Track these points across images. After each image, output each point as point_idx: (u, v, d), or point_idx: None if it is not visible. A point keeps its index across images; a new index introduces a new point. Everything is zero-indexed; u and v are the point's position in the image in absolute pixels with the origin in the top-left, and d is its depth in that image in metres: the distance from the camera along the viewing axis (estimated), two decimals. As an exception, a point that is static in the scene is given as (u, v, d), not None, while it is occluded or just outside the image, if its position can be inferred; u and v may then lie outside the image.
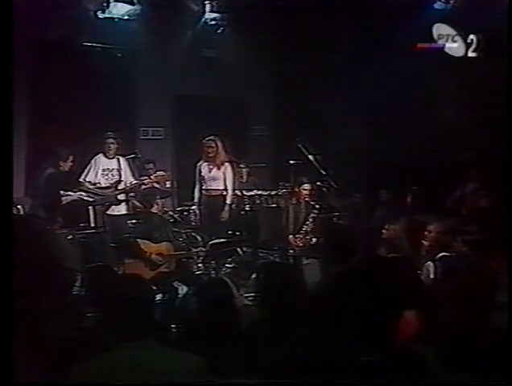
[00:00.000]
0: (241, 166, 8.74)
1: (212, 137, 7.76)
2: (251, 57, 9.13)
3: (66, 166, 7.23)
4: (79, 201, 7.24)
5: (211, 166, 7.79)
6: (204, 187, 7.83)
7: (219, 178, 7.81)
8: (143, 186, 7.57)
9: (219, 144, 7.75)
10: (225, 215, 7.85)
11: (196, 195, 7.91)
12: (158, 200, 7.20)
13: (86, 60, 8.33)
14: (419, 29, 8.46)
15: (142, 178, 7.60)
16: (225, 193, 7.92)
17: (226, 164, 7.85)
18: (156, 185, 8.03)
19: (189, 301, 3.58)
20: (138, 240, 6.66)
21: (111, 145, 7.42)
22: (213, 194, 7.83)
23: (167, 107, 9.67)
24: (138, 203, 7.70)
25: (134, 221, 7.54)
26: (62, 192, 7.14)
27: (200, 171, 7.81)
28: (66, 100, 8.34)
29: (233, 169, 7.98)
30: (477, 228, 6.06)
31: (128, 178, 7.56)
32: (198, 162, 7.89)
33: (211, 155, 7.72)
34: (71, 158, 7.26)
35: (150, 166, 8.44)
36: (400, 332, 2.63)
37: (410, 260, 4.48)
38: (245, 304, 4.12)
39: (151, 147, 9.21)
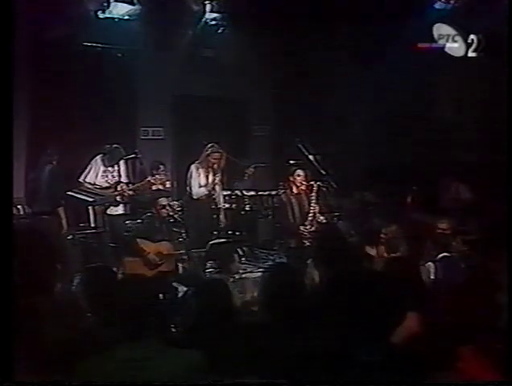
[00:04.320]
0: (241, 165, 8.74)
1: (218, 149, 7.63)
2: (251, 57, 9.14)
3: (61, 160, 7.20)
4: (77, 201, 7.22)
5: (208, 170, 7.69)
6: (201, 189, 7.75)
7: (216, 180, 7.74)
8: (144, 187, 7.57)
9: (223, 154, 7.67)
10: (225, 215, 7.84)
11: (194, 196, 7.84)
12: (159, 200, 7.20)
13: (86, 60, 8.33)
14: (419, 29, 8.45)
15: (144, 179, 7.58)
16: (224, 194, 7.89)
17: (222, 169, 7.78)
18: (159, 186, 8.02)
19: (188, 301, 3.58)
20: (138, 239, 6.67)
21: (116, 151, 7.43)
22: (211, 195, 7.77)
23: (167, 107, 9.67)
24: (139, 204, 7.69)
25: (134, 221, 7.54)
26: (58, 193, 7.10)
27: (199, 174, 7.72)
28: (66, 100, 8.34)
29: (228, 170, 7.94)
30: (478, 228, 6.06)
31: (128, 178, 7.55)
32: (193, 163, 7.78)
33: (214, 165, 7.62)
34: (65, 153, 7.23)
35: (161, 168, 8.33)
36: (400, 332, 2.64)
37: (410, 261, 4.48)
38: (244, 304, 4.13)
39: (151, 147, 9.21)
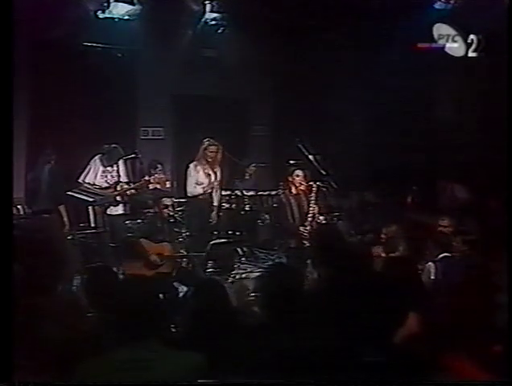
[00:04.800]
0: (241, 165, 8.74)
1: (214, 142, 7.67)
2: (251, 57, 9.13)
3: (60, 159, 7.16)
4: (77, 201, 7.21)
5: (206, 168, 7.71)
6: (200, 189, 7.75)
7: (213, 179, 7.75)
8: (144, 187, 7.58)
9: (220, 147, 7.69)
10: (225, 215, 7.83)
11: (192, 195, 7.83)
12: (159, 200, 7.22)
13: (86, 60, 8.33)
14: (419, 29, 8.45)
15: (143, 179, 7.58)
16: (224, 194, 7.88)
17: (220, 165, 7.80)
18: (157, 186, 8.03)
19: (187, 302, 3.58)
20: (141, 239, 6.69)
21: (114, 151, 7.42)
22: (208, 195, 7.76)
23: (167, 107, 9.67)
24: (138, 204, 7.70)
25: (134, 221, 7.53)
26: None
27: (197, 172, 7.73)
28: (66, 100, 8.34)
29: (228, 170, 7.94)
30: (478, 228, 6.06)
31: (128, 178, 7.54)
32: (191, 162, 7.80)
33: (211, 159, 7.65)
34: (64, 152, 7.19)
35: (159, 167, 8.37)
36: (401, 332, 2.63)
37: (410, 261, 4.48)
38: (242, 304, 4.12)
39: (151, 147, 9.21)
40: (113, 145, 7.48)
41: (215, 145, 7.61)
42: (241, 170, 9.13)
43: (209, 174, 7.67)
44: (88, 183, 7.31)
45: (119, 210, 7.44)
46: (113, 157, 7.43)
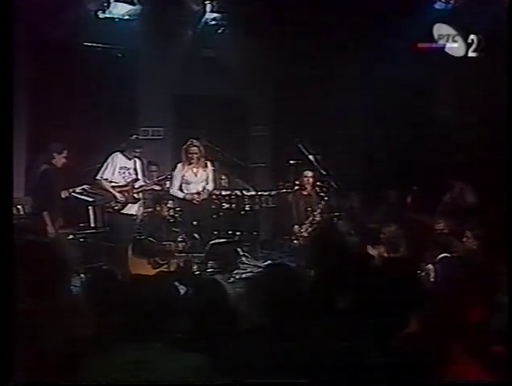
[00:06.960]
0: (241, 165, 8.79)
1: (196, 142, 7.69)
2: (251, 57, 9.14)
3: (60, 160, 7.14)
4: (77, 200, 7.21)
5: (195, 169, 7.74)
6: (191, 189, 7.77)
7: (204, 179, 7.77)
8: (153, 187, 7.65)
9: (201, 148, 7.71)
10: (222, 214, 7.86)
11: (182, 196, 7.84)
12: (162, 200, 7.26)
13: (86, 60, 8.33)
14: (419, 29, 8.46)
15: (155, 178, 7.63)
16: (217, 193, 7.92)
17: (209, 165, 7.82)
18: (157, 187, 8.05)
19: (187, 302, 3.58)
20: (142, 239, 6.71)
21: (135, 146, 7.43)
22: (204, 195, 7.78)
23: (167, 107, 9.67)
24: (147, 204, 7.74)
25: (140, 220, 7.55)
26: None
27: (184, 174, 7.74)
28: (66, 101, 8.33)
29: (226, 169, 7.98)
30: (478, 228, 6.05)
31: (142, 177, 7.56)
32: (178, 163, 7.84)
33: (193, 160, 7.67)
34: (64, 153, 7.15)
35: (154, 168, 8.45)
36: (401, 333, 2.63)
37: (410, 261, 4.48)
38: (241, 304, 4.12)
39: (151, 147, 9.20)
40: (134, 136, 7.49)
41: (195, 146, 7.63)
42: (240, 170, 9.13)
43: (196, 174, 7.69)
44: (106, 180, 7.31)
45: (132, 209, 7.43)
46: (134, 147, 7.42)
